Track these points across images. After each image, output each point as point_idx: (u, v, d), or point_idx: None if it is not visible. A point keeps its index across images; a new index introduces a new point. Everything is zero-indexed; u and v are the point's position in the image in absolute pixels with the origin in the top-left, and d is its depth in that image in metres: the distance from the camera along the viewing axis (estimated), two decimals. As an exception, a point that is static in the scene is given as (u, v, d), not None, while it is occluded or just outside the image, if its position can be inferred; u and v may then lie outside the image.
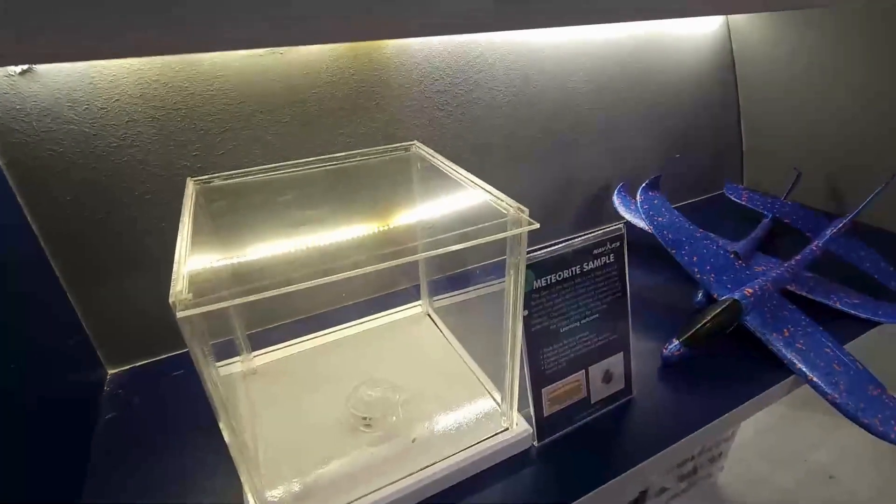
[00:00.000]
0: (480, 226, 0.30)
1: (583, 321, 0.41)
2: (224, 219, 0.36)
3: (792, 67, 0.74)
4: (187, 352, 0.26)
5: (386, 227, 0.34)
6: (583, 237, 0.40)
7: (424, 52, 0.54)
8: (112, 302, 0.48)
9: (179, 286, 0.24)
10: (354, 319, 0.54)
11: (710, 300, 0.55)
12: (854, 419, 0.44)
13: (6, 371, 0.34)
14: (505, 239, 0.31)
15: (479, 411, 0.43)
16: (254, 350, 0.50)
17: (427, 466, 0.37)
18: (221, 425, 0.29)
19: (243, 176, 0.40)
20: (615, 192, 0.73)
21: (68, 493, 0.38)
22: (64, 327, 0.46)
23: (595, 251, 0.41)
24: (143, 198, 0.46)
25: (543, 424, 0.41)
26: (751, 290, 0.52)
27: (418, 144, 0.46)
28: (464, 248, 0.30)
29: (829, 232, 0.60)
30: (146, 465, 0.40)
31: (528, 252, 0.36)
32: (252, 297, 0.26)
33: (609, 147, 0.74)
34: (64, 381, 0.43)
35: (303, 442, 0.40)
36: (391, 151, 0.46)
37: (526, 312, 0.38)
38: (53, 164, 0.42)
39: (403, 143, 0.46)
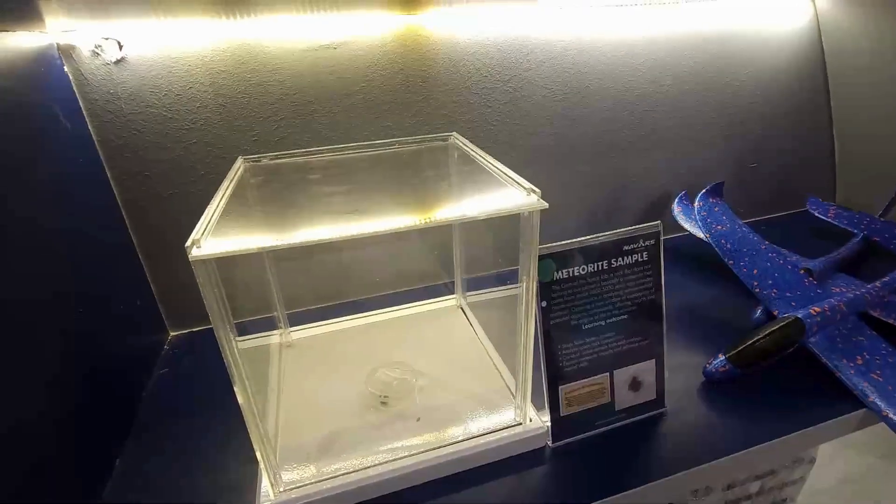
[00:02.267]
0: (497, 207, 0.30)
1: (608, 320, 0.39)
2: (265, 191, 0.39)
3: (891, 65, 0.66)
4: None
5: (415, 206, 0.35)
6: (615, 232, 0.38)
7: (473, 49, 0.54)
8: (178, 271, 0.53)
9: (199, 233, 0.26)
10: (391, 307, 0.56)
11: (771, 318, 0.50)
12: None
13: (82, 320, 0.40)
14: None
15: (494, 404, 0.42)
16: (292, 326, 0.53)
17: (433, 449, 0.37)
18: (234, 385, 0.31)
19: (289, 157, 0.44)
20: (675, 200, 0.69)
21: (122, 428, 0.42)
22: (135, 290, 0.52)
23: (626, 247, 0.39)
24: (208, 177, 0.51)
25: (560, 424, 0.40)
26: (818, 309, 0.46)
27: (456, 135, 0.47)
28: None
29: (927, 253, 0.52)
30: (184, 415, 0.44)
31: (554, 243, 0.35)
32: (267, 247, 0.27)
33: (671, 152, 0.69)
34: (130, 336, 0.49)
35: (321, 411, 0.42)
36: (429, 141, 0.47)
37: (545, 303, 0.37)
38: (135, 142, 0.48)
39: (442, 134, 0.47)
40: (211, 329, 0.29)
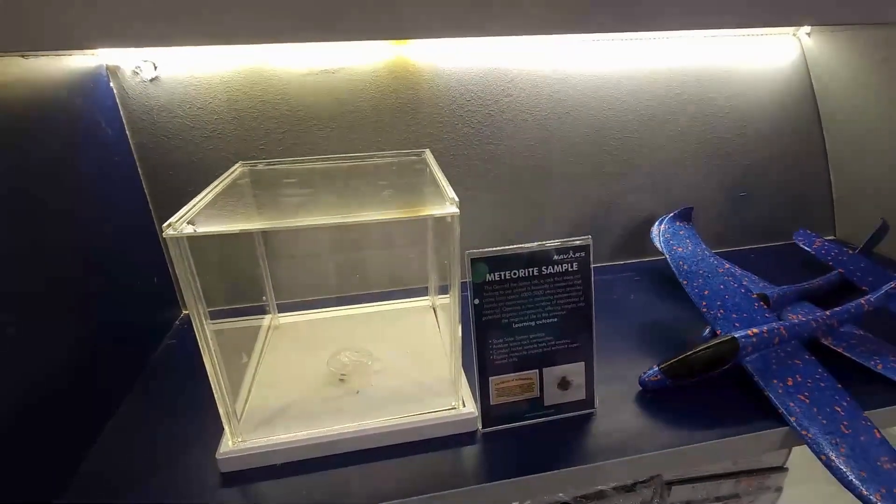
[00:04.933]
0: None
1: (538, 322, 0.44)
2: (250, 190, 0.46)
3: (883, 105, 0.67)
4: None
5: (358, 207, 0.41)
6: (546, 243, 0.43)
7: (457, 76, 0.61)
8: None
9: (177, 218, 0.34)
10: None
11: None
12: (850, 487, 0.39)
13: (108, 290, 0.48)
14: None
15: (437, 391, 0.47)
16: (280, 312, 0.60)
17: (375, 420, 0.43)
18: (203, 353, 0.38)
19: (279, 164, 0.51)
20: (654, 225, 0.71)
21: (127, 382, 0.51)
22: (154, 270, 0.61)
23: (556, 257, 0.43)
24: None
25: (490, 412, 0.44)
26: (755, 331, 0.48)
27: (428, 152, 0.53)
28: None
29: (885, 288, 0.53)
30: (182, 377, 0.52)
31: (487, 248, 0.41)
32: (233, 229, 0.34)
33: (653, 178, 0.73)
34: (147, 309, 0.58)
35: (288, 384, 0.49)
36: (404, 155, 0.54)
37: (477, 301, 0.42)
38: (163, 146, 0.58)
39: (417, 150, 0.54)
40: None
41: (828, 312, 0.52)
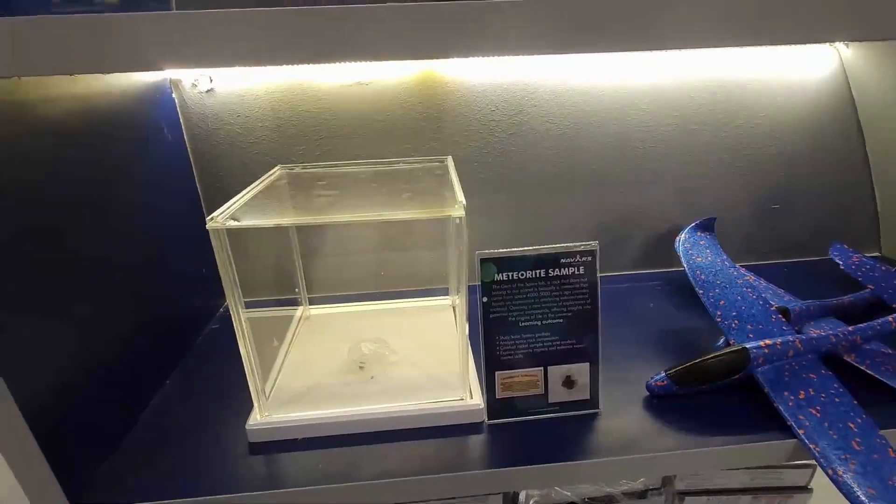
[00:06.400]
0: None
1: (544, 321, 0.46)
2: (287, 191, 0.51)
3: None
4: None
5: (373, 208, 0.45)
6: (553, 246, 0.45)
7: (481, 87, 0.64)
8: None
9: (220, 212, 0.39)
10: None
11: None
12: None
13: (161, 277, 0.55)
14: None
15: (448, 383, 0.50)
16: (311, 305, 0.65)
17: (388, 405, 0.47)
18: (238, 336, 0.43)
19: (314, 168, 0.56)
20: (680, 234, 0.71)
21: (174, 360, 0.57)
22: (202, 261, 0.67)
23: (563, 260, 0.45)
24: (264, 180, 0.66)
25: (495, 405, 0.47)
26: (768, 342, 0.48)
27: (450, 159, 0.57)
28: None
29: (915, 306, 0.51)
30: (222, 358, 0.57)
31: (496, 250, 0.43)
32: (266, 224, 0.39)
33: (680, 189, 0.73)
34: (194, 296, 0.64)
35: (313, 369, 0.53)
36: (428, 162, 0.57)
37: (485, 299, 0.45)
38: (215, 150, 0.64)
39: (438, 157, 0.57)
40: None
41: (850, 328, 0.51)
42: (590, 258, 0.45)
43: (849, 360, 0.51)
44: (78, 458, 0.41)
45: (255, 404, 0.46)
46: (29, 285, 0.38)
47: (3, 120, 0.37)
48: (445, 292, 0.67)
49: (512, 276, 0.45)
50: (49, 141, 0.41)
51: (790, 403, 0.46)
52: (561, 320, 0.46)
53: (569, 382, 0.47)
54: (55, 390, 0.40)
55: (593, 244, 0.45)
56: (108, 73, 0.38)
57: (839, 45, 0.70)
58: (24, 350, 0.37)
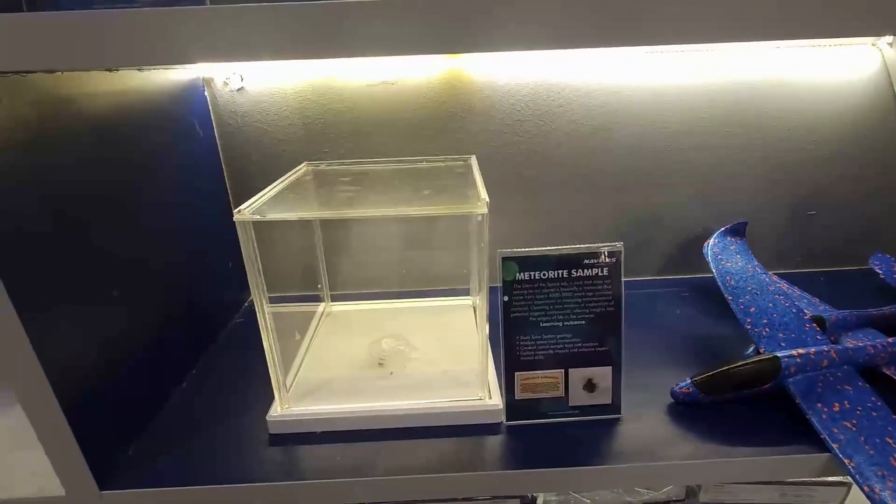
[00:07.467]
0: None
1: (566, 323, 0.45)
2: (312, 187, 0.52)
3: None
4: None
5: (396, 204, 0.45)
6: (576, 247, 0.44)
7: (506, 87, 0.64)
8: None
9: (247, 205, 0.39)
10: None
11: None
12: (894, 524, 0.37)
13: (190, 271, 0.56)
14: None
15: (467, 382, 0.50)
16: (333, 301, 0.66)
17: (406, 402, 0.46)
18: (261, 329, 0.44)
19: (339, 165, 0.57)
20: (709, 239, 0.69)
21: (201, 349, 0.58)
22: (229, 255, 0.69)
23: (586, 261, 0.45)
24: (290, 177, 0.67)
25: (514, 406, 0.46)
26: (801, 352, 0.46)
27: (473, 158, 0.56)
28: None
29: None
30: (246, 350, 0.59)
31: (518, 249, 0.43)
32: (288, 217, 0.40)
33: (708, 192, 0.71)
34: (221, 289, 0.66)
35: (334, 364, 0.54)
36: (452, 160, 0.57)
37: (506, 298, 0.45)
38: (244, 146, 0.66)
39: (462, 156, 0.57)
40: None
41: (890, 339, 0.49)
42: (614, 260, 0.45)
43: (888, 372, 0.49)
44: (106, 441, 0.43)
45: (276, 396, 0.46)
46: (66, 274, 0.40)
47: (47, 114, 0.38)
48: (467, 292, 0.67)
49: (534, 275, 0.44)
50: (89, 135, 0.43)
51: (823, 416, 0.44)
52: (583, 322, 0.45)
53: (590, 386, 0.46)
54: (87, 376, 0.41)
55: (618, 245, 0.44)
56: (144, 66, 0.39)
57: (882, 45, 0.67)
58: (59, 336, 0.38)
